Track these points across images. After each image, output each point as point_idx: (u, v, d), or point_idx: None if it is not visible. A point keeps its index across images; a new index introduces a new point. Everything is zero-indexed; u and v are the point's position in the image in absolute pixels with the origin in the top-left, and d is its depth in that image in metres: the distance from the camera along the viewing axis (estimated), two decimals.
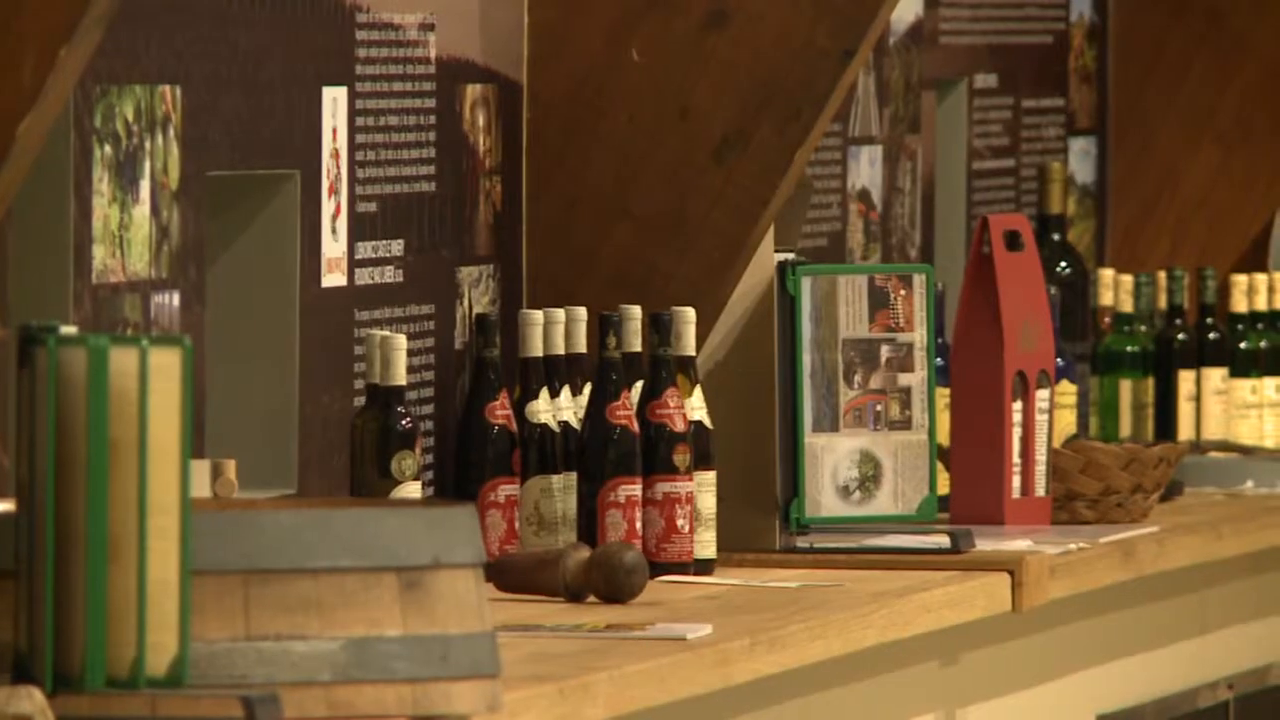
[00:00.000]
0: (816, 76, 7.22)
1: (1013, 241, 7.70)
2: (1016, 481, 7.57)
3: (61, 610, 5.17)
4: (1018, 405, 7.61)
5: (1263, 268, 8.77)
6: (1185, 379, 8.49)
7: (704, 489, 7.01)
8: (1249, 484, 8.37)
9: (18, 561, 5.25)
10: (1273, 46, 9.10)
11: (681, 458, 6.95)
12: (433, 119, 6.97)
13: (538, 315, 6.98)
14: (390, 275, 6.83)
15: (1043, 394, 7.70)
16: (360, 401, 6.55)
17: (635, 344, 6.95)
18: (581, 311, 6.98)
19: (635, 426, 6.91)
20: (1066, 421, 7.88)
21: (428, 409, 6.72)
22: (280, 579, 5.33)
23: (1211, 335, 8.61)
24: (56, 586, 5.15)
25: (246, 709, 4.97)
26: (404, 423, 6.49)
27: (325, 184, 6.65)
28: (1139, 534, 7.78)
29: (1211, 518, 8.30)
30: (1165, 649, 8.25)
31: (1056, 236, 8.51)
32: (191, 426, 5.25)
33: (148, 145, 6.14)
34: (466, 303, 7.05)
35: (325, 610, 5.34)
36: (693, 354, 7.02)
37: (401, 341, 6.53)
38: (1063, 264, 8.33)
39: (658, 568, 6.78)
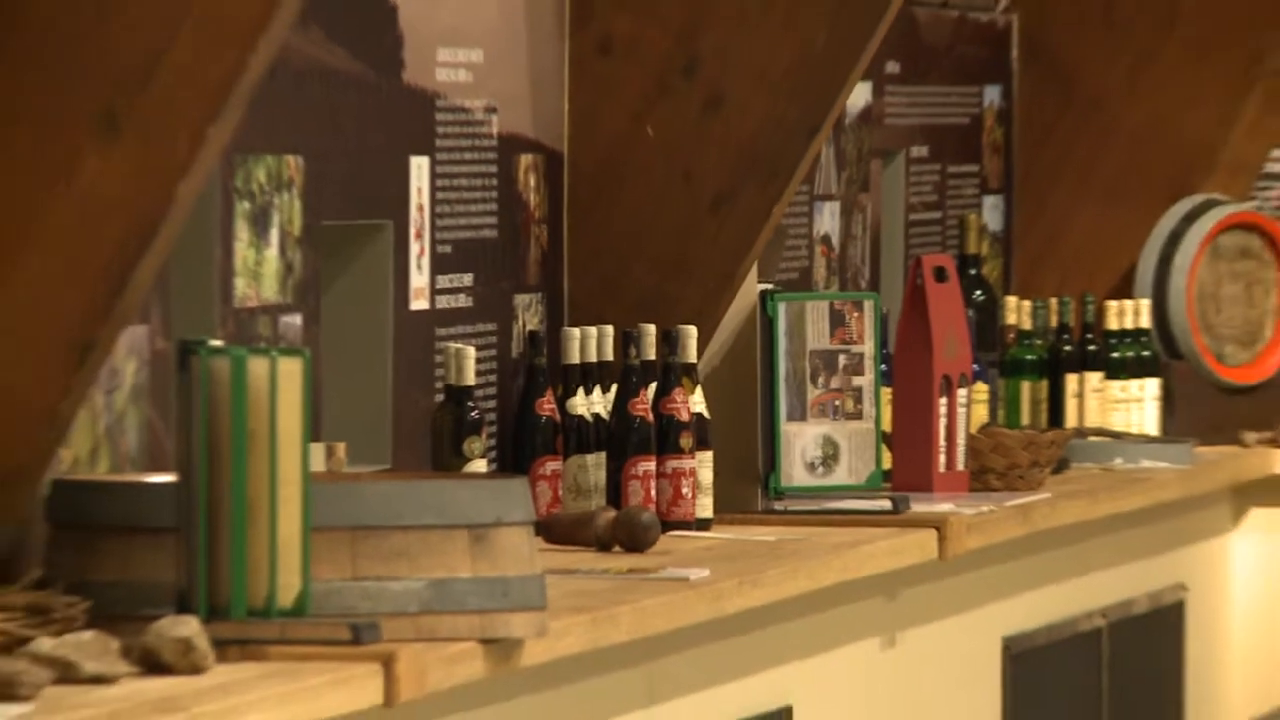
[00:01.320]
0: (789, 148, 7.19)
1: (940, 275, 7.67)
2: (942, 459, 7.55)
3: (212, 558, 5.18)
4: (943, 401, 7.59)
5: (1129, 295, 8.71)
6: (1071, 381, 8.47)
7: (703, 465, 7.00)
8: (1118, 461, 8.35)
9: (179, 521, 5.21)
10: (1140, 127, 9.04)
11: (686, 441, 6.94)
12: (495, 181, 6.95)
13: (575, 331, 6.96)
14: (462, 301, 6.81)
15: (962, 392, 7.68)
16: (439, 398, 6.51)
17: (650, 354, 6.93)
18: (609, 329, 6.96)
19: (650, 417, 6.89)
20: (980, 413, 7.86)
21: (491, 404, 6.69)
22: (378, 534, 5.39)
23: (1091, 347, 8.58)
24: (208, 539, 5.17)
25: (353, 633, 5.12)
26: (473, 414, 6.49)
27: (412, 231, 6.63)
28: (1035, 499, 7.77)
29: (1090, 487, 8.28)
30: (1055, 586, 8.23)
31: (973, 271, 8.47)
32: (310, 417, 5.28)
33: (276, 201, 6.13)
34: (520, 322, 7.03)
35: (412, 558, 5.40)
36: (694, 361, 7.00)
37: (471, 352, 6.52)
38: (978, 292, 8.30)
39: (667, 525, 6.76)
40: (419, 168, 6.67)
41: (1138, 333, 8.68)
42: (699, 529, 6.92)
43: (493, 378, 6.77)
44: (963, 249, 8.58)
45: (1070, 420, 8.49)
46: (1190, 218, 8.84)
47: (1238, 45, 9.02)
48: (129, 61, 5.18)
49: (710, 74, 7.15)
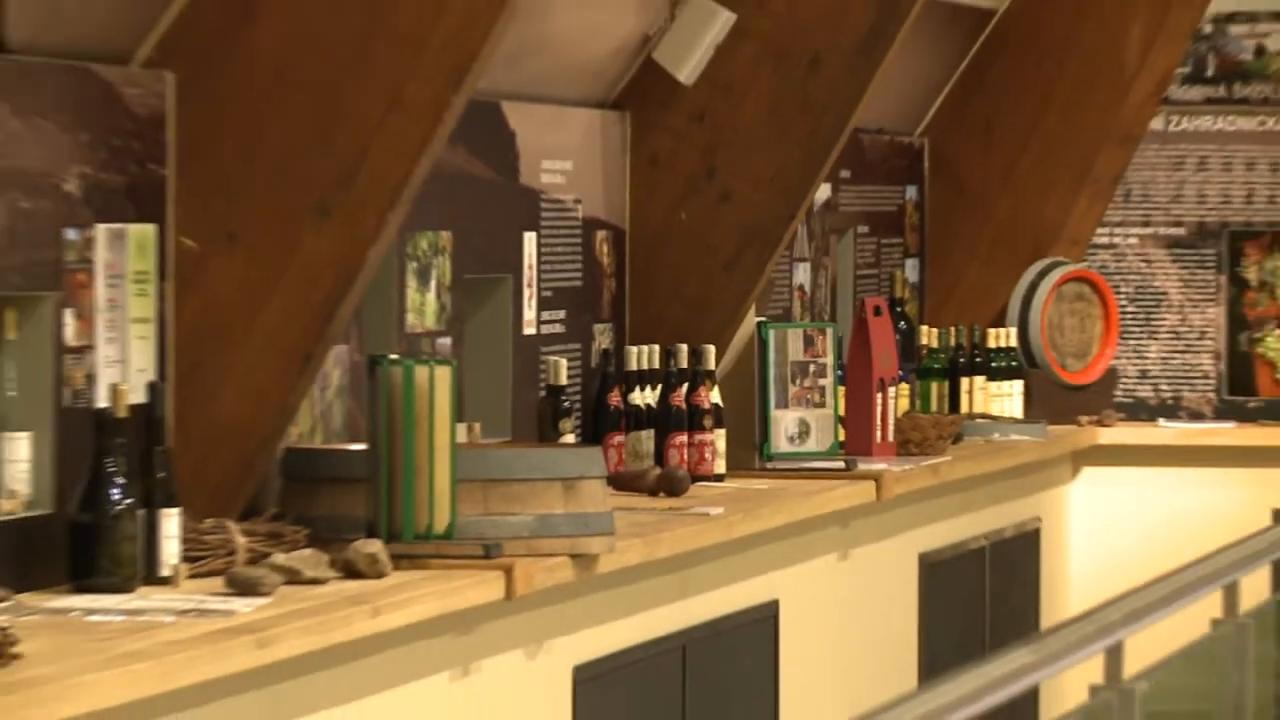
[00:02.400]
0: (776, 227, 7.16)
1: (877, 311, 7.62)
2: (878, 434, 7.49)
3: (390, 500, 5.18)
4: (879, 395, 7.53)
5: (1002, 325, 8.64)
6: (964, 382, 8.37)
7: (719, 438, 6.96)
8: (995, 435, 8.27)
9: (368, 474, 5.19)
10: (1008, 212, 8.98)
11: (708, 422, 6.90)
12: (579, 248, 6.91)
13: (634, 349, 6.93)
14: (558, 329, 6.77)
15: (892, 390, 7.61)
16: (542, 393, 6.47)
17: (683, 363, 6.89)
18: (656, 347, 6.92)
19: (684, 406, 6.84)
20: (904, 404, 7.79)
21: (577, 397, 6.64)
22: (502, 484, 5.43)
23: (977, 359, 8.50)
24: (388, 487, 5.17)
25: (485, 551, 5.20)
26: (565, 404, 6.47)
27: (525, 282, 6.57)
28: (940, 461, 7.71)
29: (976, 452, 8.21)
30: (953, 519, 8.20)
31: (899, 309, 8.40)
32: (456, 406, 5.26)
33: (434, 262, 6.09)
34: (597, 342, 6.99)
35: (524, 500, 5.41)
36: (713, 369, 6.96)
37: (563, 362, 6.50)
38: (902, 323, 8.23)
39: (695, 478, 6.71)
40: (529, 240, 6.65)
41: (1008, 350, 8.61)
42: (716, 481, 6.89)
43: (578, 379, 6.74)
44: (892, 294, 8.52)
45: (964, 408, 8.43)
46: (1043, 273, 8.79)
47: (1075, 159, 8.94)
48: (337, 169, 5.20)
49: (723, 178, 7.12)
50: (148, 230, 5.10)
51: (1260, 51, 9.19)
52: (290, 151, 5.20)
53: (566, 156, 6.83)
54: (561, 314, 6.82)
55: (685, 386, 6.92)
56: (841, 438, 7.49)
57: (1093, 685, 3.43)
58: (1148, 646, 3.57)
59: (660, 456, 6.83)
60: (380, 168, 5.21)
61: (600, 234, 7.05)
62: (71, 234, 4.90)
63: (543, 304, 6.73)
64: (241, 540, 4.97)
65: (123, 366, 5.01)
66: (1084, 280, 8.92)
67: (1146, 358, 9.27)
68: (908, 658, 7.83)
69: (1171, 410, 9.36)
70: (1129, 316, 9.21)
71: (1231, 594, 4.09)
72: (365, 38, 5.19)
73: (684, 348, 6.97)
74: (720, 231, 7.16)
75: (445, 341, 6.13)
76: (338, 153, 5.20)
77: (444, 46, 5.20)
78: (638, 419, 6.87)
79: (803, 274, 8.02)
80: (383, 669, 5.00)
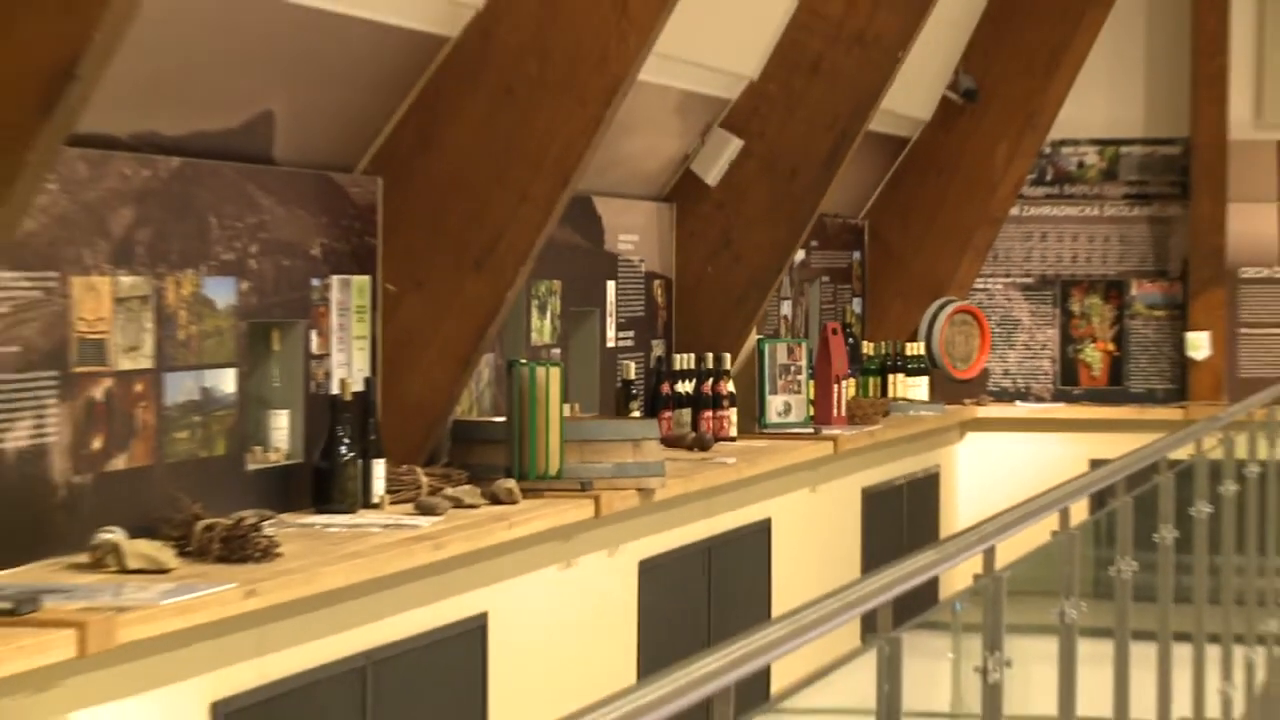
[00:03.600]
0: (770, 277, 7.12)
1: (834, 332, 7.57)
2: (835, 411, 7.42)
3: (520, 452, 5.06)
4: (835, 386, 7.46)
5: (915, 340, 8.57)
6: (890, 378, 8.28)
7: (733, 414, 6.89)
8: (911, 412, 8.20)
9: (507, 437, 5.06)
10: (920, 268, 8.90)
11: (726, 404, 6.85)
12: (643, 292, 6.86)
13: (678, 356, 6.91)
14: (628, 343, 6.73)
15: (844, 383, 7.55)
16: (619, 384, 6.42)
17: (710, 365, 6.86)
18: (693, 355, 6.89)
19: (710, 393, 6.79)
20: (851, 391, 7.71)
21: (641, 387, 6.59)
22: (593, 443, 5.34)
23: (899, 363, 8.42)
24: (519, 444, 5.06)
25: (581, 486, 5.12)
26: (633, 391, 6.40)
27: (608, 312, 6.52)
28: (875, 428, 7.64)
29: (898, 423, 8.11)
30: (881, 465, 8.13)
31: (849, 331, 8.33)
32: (563, 392, 5.25)
33: (549, 299, 6.08)
34: (654, 352, 6.94)
35: (606, 453, 5.36)
36: (729, 369, 6.91)
37: (632, 365, 6.44)
38: (850, 340, 8.16)
39: (717, 439, 6.67)
40: (610, 286, 6.57)
41: (918, 357, 8.52)
42: (730, 441, 6.82)
43: (641, 375, 6.69)
44: (844, 321, 8.44)
45: (890, 394, 8.32)
46: (941, 307, 8.72)
47: (962, 234, 8.90)
48: (487, 239, 5.21)
49: (735, 247, 7.10)
50: (364, 279, 5.10)
51: (1081, 165, 9.21)
52: (456, 228, 5.19)
53: (635, 232, 6.81)
54: (631, 333, 6.78)
55: (711, 380, 6.87)
56: (811, 413, 7.43)
57: (975, 575, 3.40)
58: (1010, 549, 3.54)
59: (695, 425, 6.76)
60: (515, 239, 5.19)
61: (656, 282, 7.00)
62: (315, 282, 4.90)
63: (619, 327, 6.69)
64: (424, 480, 4.96)
65: (348, 367, 5.01)
66: (968, 311, 8.85)
67: (1008, 361, 9.23)
68: (854, 557, 7.74)
69: (1024, 395, 9.30)
70: (997, 335, 9.14)
71: (1065, 515, 4.06)
72: (506, 155, 5.17)
73: (711, 355, 6.92)
74: (733, 280, 7.14)
75: (556, 351, 6.09)
76: (487, 229, 5.18)
77: (556, 162, 5.18)
78: (680, 401, 6.80)
79: (786, 308, 7.99)
80: (516, 563, 4.99)
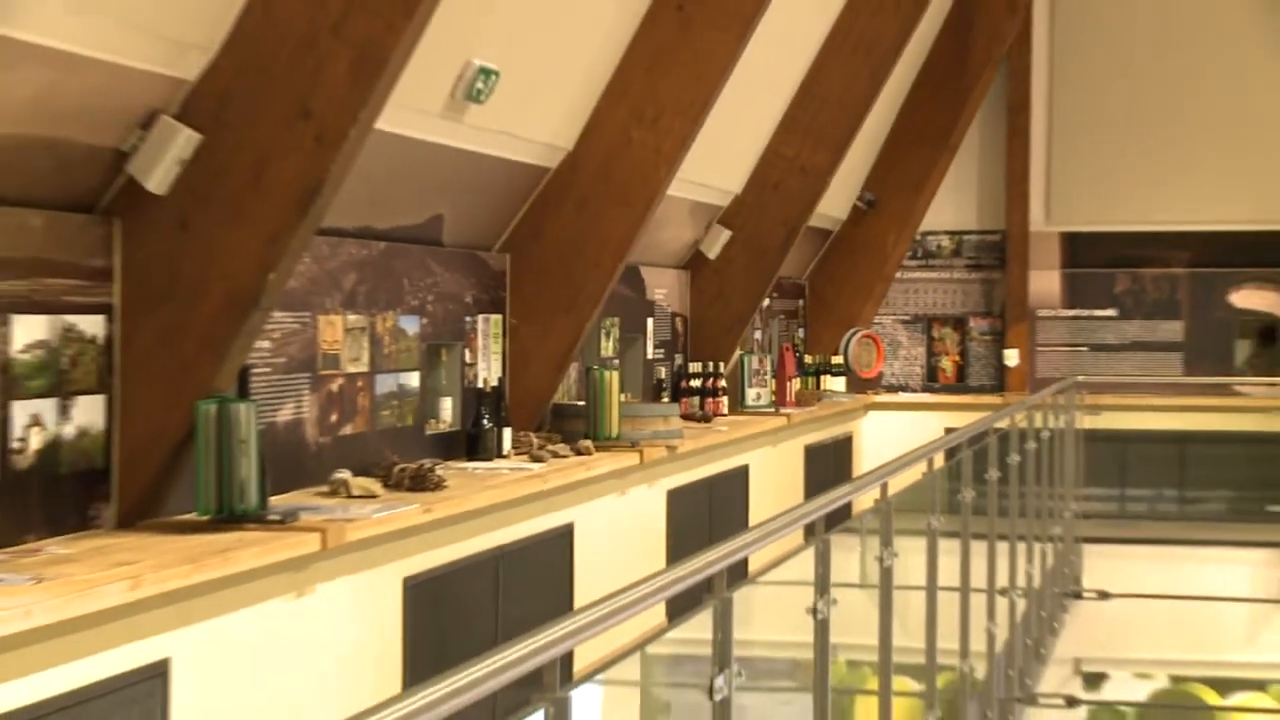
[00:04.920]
0: (748, 315, 7.11)
1: (787, 349, 7.51)
2: (789, 398, 7.37)
3: (594, 422, 4.95)
4: (789, 383, 7.40)
5: (837, 354, 8.49)
6: (823, 378, 8.15)
7: (725, 400, 6.77)
8: (834, 399, 8.04)
9: (587, 413, 4.97)
10: (839, 311, 8.64)
11: (722, 394, 6.74)
12: (669, 325, 6.80)
13: (692, 364, 6.80)
14: (661, 355, 6.63)
15: (794, 381, 7.47)
16: (655, 382, 6.36)
17: (711, 370, 6.74)
18: (699, 364, 6.79)
19: (711, 387, 6.70)
20: (798, 386, 7.62)
21: (668, 383, 6.53)
22: (639, 418, 5.28)
23: (828, 368, 8.20)
24: (594, 418, 5.01)
25: (631, 444, 4.96)
26: (663, 385, 6.31)
27: (648, 337, 6.40)
28: (813, 409, 7.51)
29: (827, 406, 7.89)
30: (818, 433, 7.91)
31: (797, 349, 8.23)
32: (620, 387, 5.14)
33: (612, 331, 6.01)
34: (676, 362, 6.86)
35: (646, 423, 5.40)
36: (723, 372, 6.84)
37: (664, 369, 6.39)
38: (797, 354, 8.05)
39: (715, 416, 6.58)
40: (650, 322, 6.52)
41: (840, 365, 8.40)
42: (723, 417, 6.69)
43: (668, 377, 6.64)
44: (793, 342, 8.33)
45: (822, 388, 8.17)
46: (854, 333, 8.64)
47: (866, 289, 8.82)
48: (574, 293, 5.13)
49: (726, 298, 7.04)
50: (497, 317, 5.06)
51: (939, 246, 9.19)
52: (554, 285, 5.14)
53: (664, 288, 6.74)
54: (662, 350, 6.70)
55: (711, 379, 6.77)
56: (773, 399, 7.35)
57: (875, 500, 3.35)
58: (897, 484, 3.51)
59: (701, 406, 6.66)
60: (591, 292, 5.15)
61: (677, 319, 6.92)
62: (468, 319, 4.86)
63: (655, 346, 6.61)
64: (535, 440, 4.92)
65: (488, 371, 4.97)
66: (869, 336, 8.78)
67: (893, 367, 9.14)
68: (799, 489, 7.52)
69: (904, 388, 9.19)
70: (887, 350, 9.08)
71: (930, 462, 3.99)
72: (584, 240, 5.11)
73: (711, 363, 6.80)
74: (724, 318, 7.06)
75: (615, 360, 6.04)
76: (573, 285, 5.13)
77: (615, 245, 5.14)
78: (692, 392, 6.69)
79: (758, 334, 7.91)
80: (590, 492, 4.93)
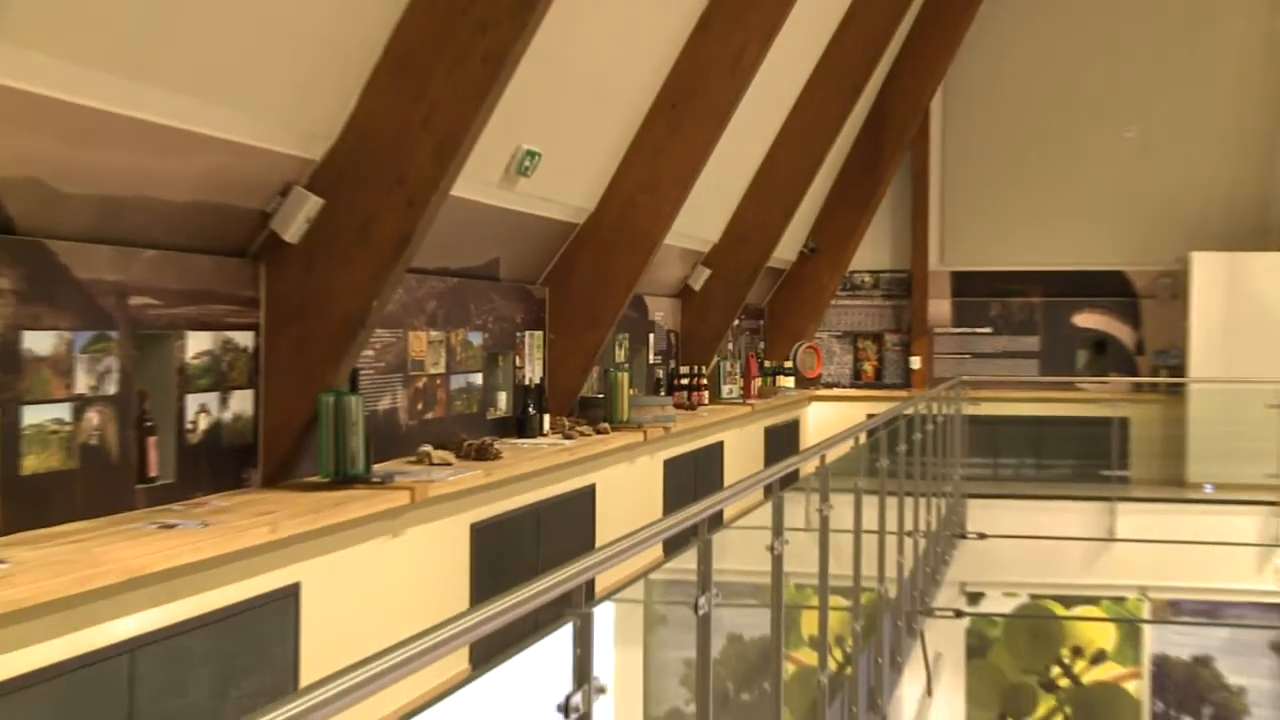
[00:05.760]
0: (723, 330, 7.01)
1: (752, 357, 7.42)
2: (754, 393, 7.29)
3: (610, 408, 4.61)
4: (754, 381, 7.32)
5: (789, 359, 8.42)
6: (779, 378, 7.88)
7: (707, 394, 6.62)
8: (786, 393, 7.88)
9: (605, 403, 4.81)
10: (786, 330, 8.43)
11: (705, 388, 6.57)
12: (666, 339, 6.63)
13: (684, 367, 6.68)
14: (659, 361, 6.48)
15: (758, 380, 7.40)
16: (655, 380, 6.19)
17: (696, 371, 6.61)
18: (688, 366, 6.66)
19: (696, 384, 6.57)
20: (760, 384, 7.49)
21: (664, 381, 6.40)
22: (643, 405, 5.05)
23: (782, 370, 7.98)
24: (609, 404, 4.82)
25: (638, 426, 4.68)
26: (660, 382, 6.22)
27: (650, 348, 6.20)
28: (772, 399, 7.31)
29: (783, 398, 7.62)
30: (775, 419, 7.73)
31: (760, 357, 8.14)
32: (630, 383, 4.74)
33: (623, 344, 5.91)
34: (670, 365, 6.70)
35: (648, 410, 5.27)
36: (705, 373, 6.67)
37: (661, 372, 6.27)
38: (759, 360, 7.96)
39: (699, 405, 6.42)
40: (651, 336, 6.42)
41: (790, 368, 8.29)
42: (705, 405, 6.55)
43: (664, 376, 6.54)
44: (758, 353, 8.25)
45: (777, 385, 8.05)
46: (800, 344, 8.56)
47: (807, 311, 8.58)
48: (597, 315, 5.04)
49: (707, 319, 6.95)
50: (539, 333, 4.99)
51: (863, 282, 9.12)
52: (582, 309, 5.07)
53: (662, 310, 6.67)
54: (660, 357, 6.62)
55: (696, 377, 6.67)
56: (742, 393, 7.25)
57: (816, 466, 3.33)
58: (833, 455, 3.49)
59: (689, 398, 6.57)
60: (608, 315, 5.10)
61: (671, 334, 6.84)
62: (517, 334, 4.81)
63: (655, 354, 6.53)
64: (567, 423, 4.88)
65: (532, 372, 4.92)
66: (812, 347, 8.73)
67: (829, 370, 9.17)
68: (760, 459, 7.35)
69: (838, 385, 9.12)
70: (826, 357, 9.04)
71: (856, 439, 3.97)
72: (604, 276, 5.07)
73: (697, 366, 6.72)
74: (705, 333, 6.99)
75: (625, 364, 5.95)
76: (596, 310, 5.08)
77: (627, 279, 5.09)
78: (682, 387, 6.59)
79: (730, 345, 7.82)
80: (608, 460, 4.87)
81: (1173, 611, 6.68)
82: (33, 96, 2.05)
